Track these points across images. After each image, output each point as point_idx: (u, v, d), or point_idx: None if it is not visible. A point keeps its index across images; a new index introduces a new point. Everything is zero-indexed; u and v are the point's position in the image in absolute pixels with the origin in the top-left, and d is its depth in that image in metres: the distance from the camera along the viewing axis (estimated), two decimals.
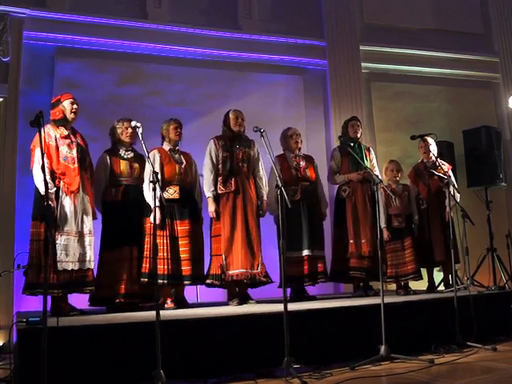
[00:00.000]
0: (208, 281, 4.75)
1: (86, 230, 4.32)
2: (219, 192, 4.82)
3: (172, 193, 4.65)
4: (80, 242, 4.26)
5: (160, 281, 4.45)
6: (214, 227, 4.84)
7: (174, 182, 4.70)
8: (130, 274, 4.55)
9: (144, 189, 4.62)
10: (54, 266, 4.09)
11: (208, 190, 4.82)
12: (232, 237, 4.73)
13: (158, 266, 4.45)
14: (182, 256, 4.59)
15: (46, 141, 4.19)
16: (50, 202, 4.06)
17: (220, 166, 4.85)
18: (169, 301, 4.64)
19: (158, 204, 4.39)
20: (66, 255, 4.16)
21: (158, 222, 4.46)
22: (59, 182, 4.22)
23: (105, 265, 4.58)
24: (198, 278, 4.70)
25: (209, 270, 4.79)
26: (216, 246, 4.79)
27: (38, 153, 4.12)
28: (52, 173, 4.18)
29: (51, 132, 4.28)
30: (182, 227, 4.64)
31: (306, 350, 3.67)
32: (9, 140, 5.67)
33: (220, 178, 4.84)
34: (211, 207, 4.79)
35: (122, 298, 4.51)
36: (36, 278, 4.07)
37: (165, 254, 4.53)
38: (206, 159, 4.90)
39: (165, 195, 4.57)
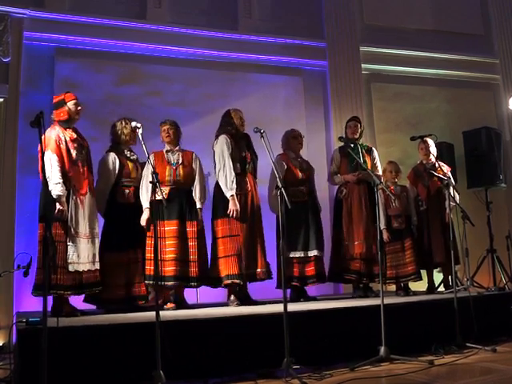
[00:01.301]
0: (227, 281, 4.67)
1: (95, 232, 4.36)
2: (237, 192, 4.77)
3: (160, 194, 4.61)
4: (91, 244, 4.30)
5: (146, 281, 4.50)
6: (225, 227, 4.75)
7: (164, 184, 4.66)
8: (141, 276, 4.56)
9: (140, 189, 4.64)
10: (65, 267, 4.11)
11: (230, 189, 4.71)
12: (252, 236, 4.76)
13: (146, 267, 4.50)
14: (166, 256, 4.55)
15: (58, 144, 4.20)
16: (58, 205, 4.08)
17: (238, 166, 4.83)
18: (168, 302, 4.65)
19: (148, 206, 4.48)
20: (78, 257, 4.19)
21: (144, 223, 4.55)
22: (70, 184, 4.22)
23: (114, 266, 4.51)
24: (184, 278, 4.60)
25: (219, 271, 4.71)
26: (230, 246, 4.71)
27: (48, 155, 4.13)
28: (64, 176, 4.17)
29: (61, 135, 4.27)
30: (169, 227, 4.62)
31: (306, 350, 3.67)
32: (9, 140, 5.67)
33: (239, 178, 4.80)
34: (235, 205, 4.69)
35: (139, 301, 4.52)
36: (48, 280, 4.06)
37: (151, 255, 4.51)
38: (223, 154, 4.78)
39: (157, 196, 4.55)
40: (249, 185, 4.86)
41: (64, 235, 4.15)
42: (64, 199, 4.15)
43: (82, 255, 4.22)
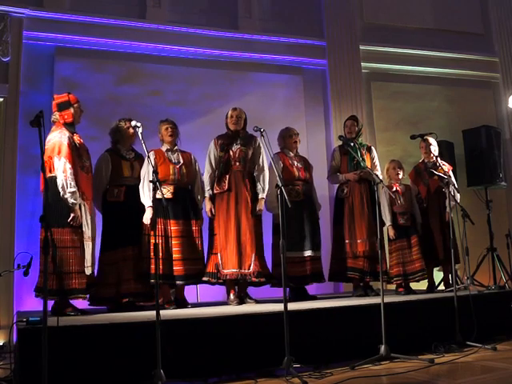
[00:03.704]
0: (204, 278, 4.73)
1: (95, 235, 4.42)
2: (215, 191, 4.84)
3: (165, 192, 4.62)
4: (93, 247, 4.35)
5: (152, 280, 4.48)
6: (212, 226, 4.87)
7: (169, 182, 4.68)
8: (133, 274, 4.56)
9: (140, 188, 4.64)
10: (82, 272, 4.19)
11: (206, 190, 4.87)
12: (226, 236, 4.73)
13: (151, 266, 4.49)
14: (174, 256, 4.59)
15: (70, 149, 4.20)
16: (72, 213, 4.14)
17: (217, 166, 4.87)
18: (168, 301, 4.65)
19: (151, 204, 4.47)
20: (86, 261, 4.26)
21: (148, 221, 4.55)
22: (79, 191, 4.24)
23: (107, 265, 4.57)
24: (192, 277, 4.66)
25: (206, 268, 4.77)
26: (214, 244, 4.80)
27: (62, 161, 4.13)
28: (76, 183, 4.19)
29: (71, 140, 4.27)
30: (175, 227, 4.64)
31: (307, 349, 3.67)
32: (9, 140, 5.67)
33: (220, 178, 4.85)
34: (206, 207, 4.84)
35: (131, 298, 4.57)
36: (58, 284, 4.08)
37: (160, 254, 4.53)
38: (206, 160, 4.93)
39: (157, 195, 4.57)
40: (226, 184, 4.80)
41: (79, 241, 4.21)
42: (78, 207, 4.19)
43: (89, 258, 4.30)
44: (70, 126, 4.36)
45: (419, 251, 5.26)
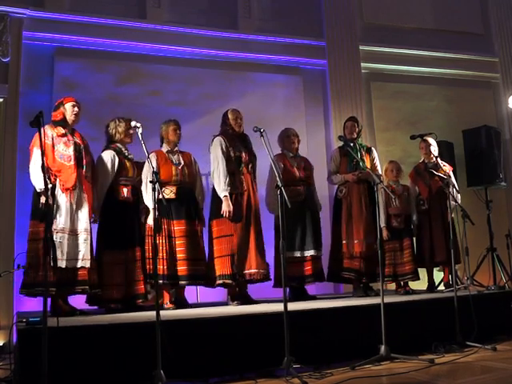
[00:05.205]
0: (219, 281, 4.68)
1: (80, 228, 4.29)
2: (232, 191, 4.77)
3: (168, 193, 4.63)
4: (74, 240, 4.23)
5: (160, 281, 4.48)
6: (220, 227, 4.77)
7: (171, 183, 4.68)
8: (140, 275, 4.57)
9: (142, 190, 4.64)
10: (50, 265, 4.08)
11: (223, 189, 4.72)
12: (247, 236, 4.74)
13: (158, 267, 4.49)
14: (178, 256, 4.59)
15: (39, 139, 4.20)
16: (48, 201, 4.07)
17: (233, 166, 4.81)
18: (168, 301, 4.65)
19: (153, 206, 4.46)
20: (61, 253, 4.12)
21: (152, 223, 4.53)
22: (55, 179, 4.23)
23: (111, 265, 4.49)
24: (196, 277, 4.66)
25: (215, 272, 4.71)
26: (224, 246, 4.72)
27: (35, 152, 4.19)
28: (47, 170, 4.15)
29: (48, 131, 4.29)
30: (178, 227, 4.64)
31: (307, 349, 3.66)
32: (9, 140, 5.67)
33: (234, 177, 4.80)
34: (228, 206, 4.70)
35: (143, 299, 4.56)
36: (34, 278, 4.06)
37: (163, 255, 4.55)
38: (217, 156, 4.80)
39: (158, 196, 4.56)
40: (245, 184, 4.84)
41: (43, 233, 4.04)
42: (48, 193, 4.12)
43: (65, 251, 4.14)
44: (59, 123, 4.38)
45: (410, 254, 5.32)
